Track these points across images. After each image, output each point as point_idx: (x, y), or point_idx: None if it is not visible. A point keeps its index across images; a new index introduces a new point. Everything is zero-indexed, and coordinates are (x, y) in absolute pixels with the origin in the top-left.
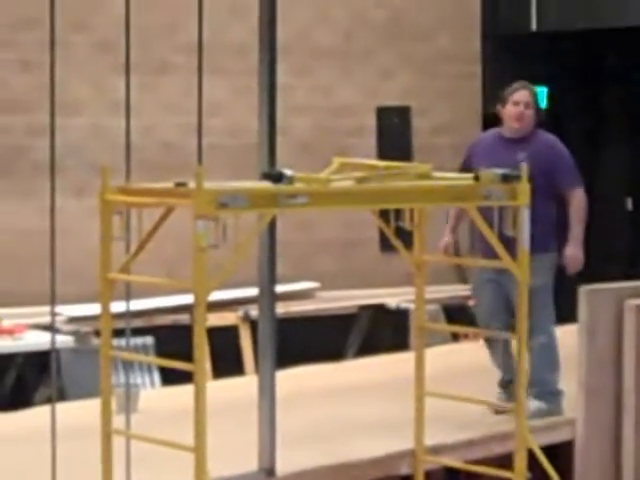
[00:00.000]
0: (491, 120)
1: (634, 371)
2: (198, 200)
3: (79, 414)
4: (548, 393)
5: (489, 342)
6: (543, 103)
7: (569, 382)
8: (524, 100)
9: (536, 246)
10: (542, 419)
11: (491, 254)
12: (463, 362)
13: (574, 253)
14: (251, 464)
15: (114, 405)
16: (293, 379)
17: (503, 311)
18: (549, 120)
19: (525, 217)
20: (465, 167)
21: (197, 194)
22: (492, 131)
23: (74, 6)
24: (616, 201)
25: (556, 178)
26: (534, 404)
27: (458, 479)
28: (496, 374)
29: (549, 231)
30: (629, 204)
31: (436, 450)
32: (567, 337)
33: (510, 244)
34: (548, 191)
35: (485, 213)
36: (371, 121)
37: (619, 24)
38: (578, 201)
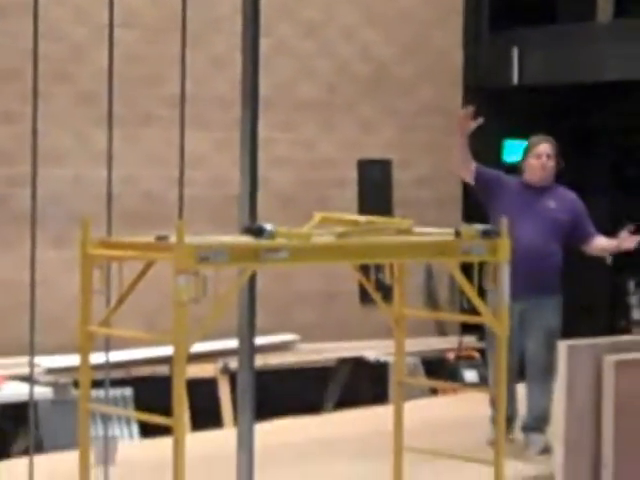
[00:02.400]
0: None
1: (612, 426)
2: (179, 255)
3: (57, 466)
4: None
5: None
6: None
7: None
8: (546, 152)
9: (554, 289)
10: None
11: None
12: (442, 416)
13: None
14: None
15: (92, 457)
16: (272, 432)
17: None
18: None
19: (505, 273)
20: (494, 204)
21: (178, 248)
22: (514, 179)
23: (56, 57)
24: (595, 256)
25: (579, 229)
26: (539, 438)
27: None
28: (474, 428)
29: (560, 275)
30: (608, 259)
31: None
32: None
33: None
34: (564, 239)
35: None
36: (352, 174)
37: (600, 78)
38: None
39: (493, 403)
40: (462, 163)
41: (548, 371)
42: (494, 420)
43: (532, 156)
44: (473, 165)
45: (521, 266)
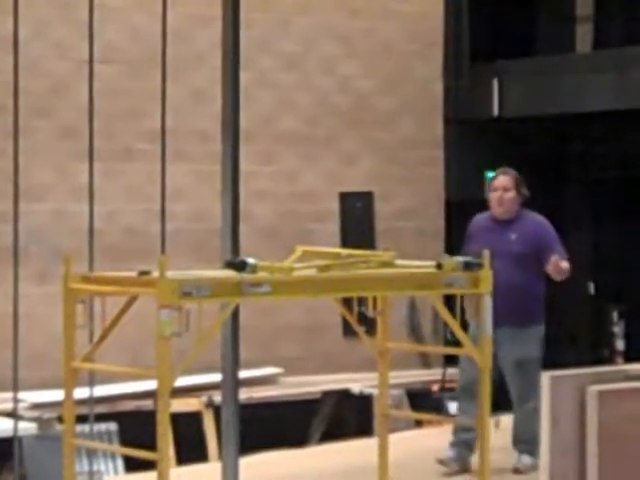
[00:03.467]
0: (453, 205)
1: (597, 457)
2: (162, 290)
3: None
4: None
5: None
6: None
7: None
8: (502, 185)
9: (532, 319)
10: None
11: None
12: (427, 447)
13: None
14: None
15: None
16: (257, 466)
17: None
18: None
19: (487, 305)
20: (467, 247)
21: (161, 284)
22: (485, 214)
23: (37, 92)
24: (578, 286)
25: (546, 253)
26: (529, 459)
27: None
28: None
29: (540, 305)
30: (591, 288)
31: None
32: None
33: None
34: (539, 267)
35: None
36: (334, 206)
37: (580, 109)
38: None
39: (456, 430)
40: None
41: (522, 398)
42: (453, 444)
43: (490, 190)
44: None
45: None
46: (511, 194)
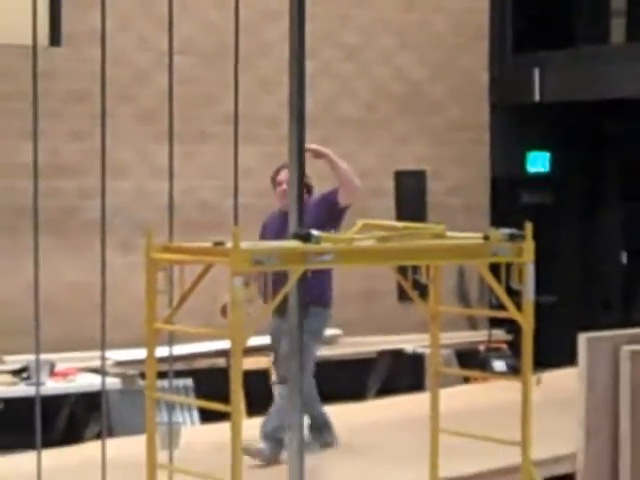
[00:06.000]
0: (498, 183)
1: (629, 414)
2: (235, 259)
3: (126, 449)
4: (323, 424)
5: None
6: (545, 167)
7: (570, 420)
8: (285, 179)
9: (311, 300)
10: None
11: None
12: (474, 402)
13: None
14: None
15: (158, 441)
16: None
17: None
18: (553, 182)
19: (530, 272)
20: (261, 239)
21: (234, 253)
22: (275, 209)
23: (121, 81)
24: (612, 255)
25: (330, 196)
26: (262, 445)
27: None
28: (504, 413)
29: (327, 286)
30: (624, 258)
31: None
32: (564, 380)
33: None
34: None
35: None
36: (389, 184)
37: (615, 95)
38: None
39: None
40: None
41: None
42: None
43: (275, 185)
44: None
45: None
46: None
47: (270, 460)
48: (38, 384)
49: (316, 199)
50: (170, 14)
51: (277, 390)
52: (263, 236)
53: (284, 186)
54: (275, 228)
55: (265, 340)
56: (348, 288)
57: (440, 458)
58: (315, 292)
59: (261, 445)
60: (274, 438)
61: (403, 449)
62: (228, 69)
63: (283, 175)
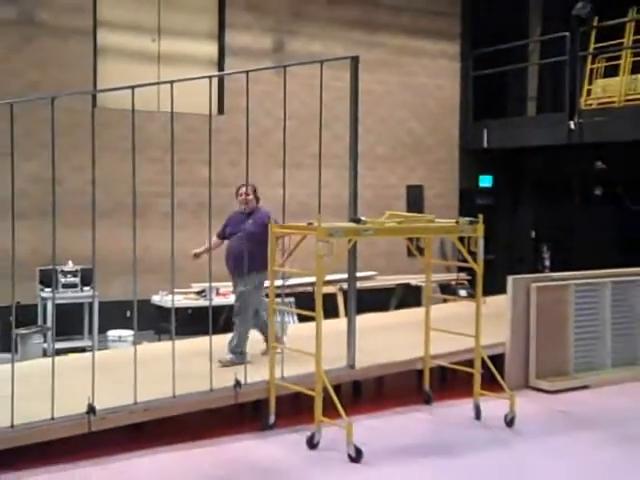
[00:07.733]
0: (463, 193)
1: (535, 321)
2: (319, 232)
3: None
4: (239, 352)
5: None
6: (490, 184)
7: (502, 324)
8: (245, 192)
9: (253, 267)
10: (233, 365)
11: (235, 271)
12: (449, 313)
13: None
14: (342, 362)
15: (277, 330)
16: (363, 320)
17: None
18: (493, 193)
19: (481, 242)
20: (224, 230)
21: (319, 229)
22: (238, 210)
23: (255, 134)
24: (526, 233)
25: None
26: (229, 356)
27: (446, 373)
28: (466, 319)
29: (260, 260)
30: (532, 234)
31: (435, 357)
32: (499, 301)
33: None
34: (263, 238)
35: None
36: (403, 192)
37: (529, 144)
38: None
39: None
40: (215, 248)
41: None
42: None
43: (237, 195)
44: (218, 240)
45: (230, 258)
46: (250, 197)
47: (234, 364)
48: (210, 299)
49: (267, 212)
50: (284, 99)
51: (236, 320)
52: (226, 225)
53: (244, 196)
54: (235, 222)
55: (334, 277)
56: (379, 249)
57: (431, 344)
58: (262, 260)
59: (228, 356)
60: (235, 352)
61: (410, 339)
62: (315, 128)
63: (242, 189)
